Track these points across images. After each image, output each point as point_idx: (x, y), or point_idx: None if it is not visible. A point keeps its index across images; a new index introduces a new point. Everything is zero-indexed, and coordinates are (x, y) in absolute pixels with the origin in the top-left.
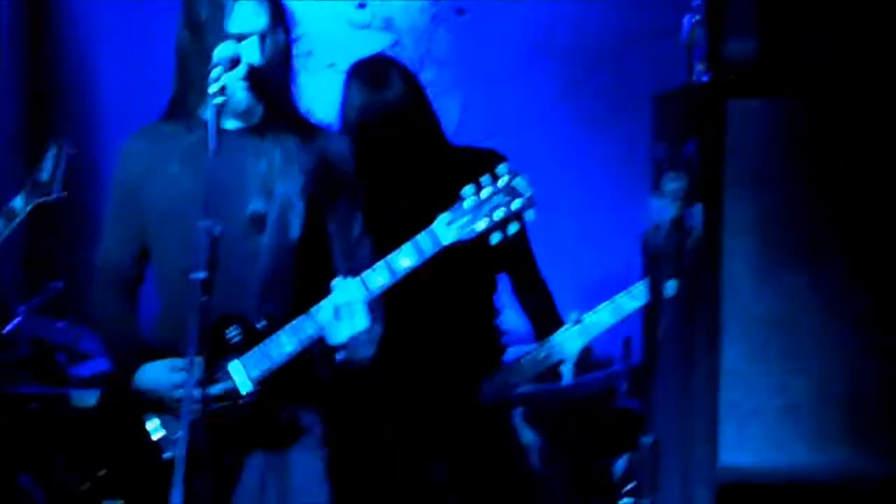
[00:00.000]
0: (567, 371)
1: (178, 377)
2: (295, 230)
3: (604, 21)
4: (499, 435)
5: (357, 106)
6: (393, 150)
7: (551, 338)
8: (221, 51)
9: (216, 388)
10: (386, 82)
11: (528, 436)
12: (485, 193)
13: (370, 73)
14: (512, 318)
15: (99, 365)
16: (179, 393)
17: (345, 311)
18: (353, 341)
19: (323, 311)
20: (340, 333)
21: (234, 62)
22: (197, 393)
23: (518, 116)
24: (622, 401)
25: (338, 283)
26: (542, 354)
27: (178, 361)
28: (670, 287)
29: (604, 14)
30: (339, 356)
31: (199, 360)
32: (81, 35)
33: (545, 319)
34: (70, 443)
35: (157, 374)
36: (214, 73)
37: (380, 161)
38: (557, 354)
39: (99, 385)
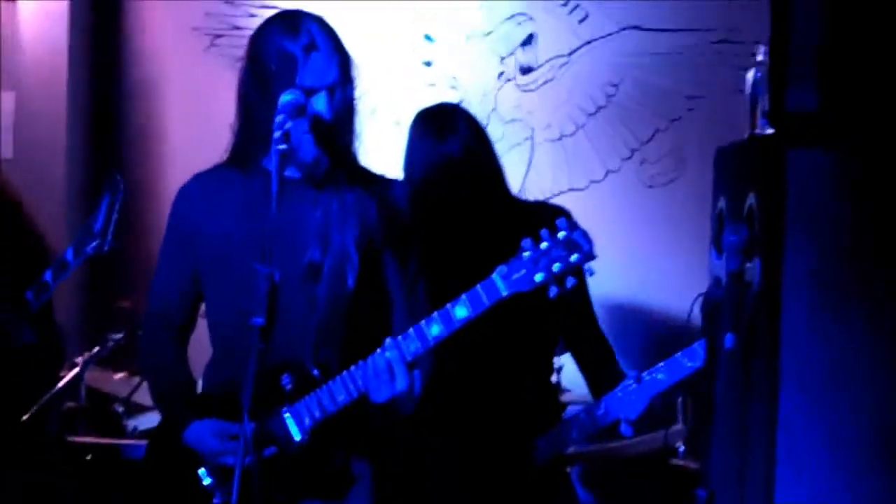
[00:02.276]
0: (626, 429)
1: (228, 445)
2: (350, 280)
3: (671, 79)
4: (554, 493)
5: (423, 153)
6: (457, 199)
7: (610, 395)
8: (286, 98)
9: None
10: (453, 130)
11: (583, 495)
12: (543, 246)
13: (437, 120)
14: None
15: (156, 418)
16: (227, 460)
17: (384, 373)
18: (393, 402)
19: (366, 369)
20: (381, 393)
21: (299, 110)
22: (248, 459)
23: (583, 175)
24: (680, 460)
25: (387, 342)
26: (601, 411)
27: (230, 427)
28: (729, 340)
29: (671, 72)
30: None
31: (251, 425)
32: (149, 83)
33: (605, 377)
34: (121, 495)
35: (206, 438)
36: (278, 120)
37: (442, 211)
38: (615, 412)
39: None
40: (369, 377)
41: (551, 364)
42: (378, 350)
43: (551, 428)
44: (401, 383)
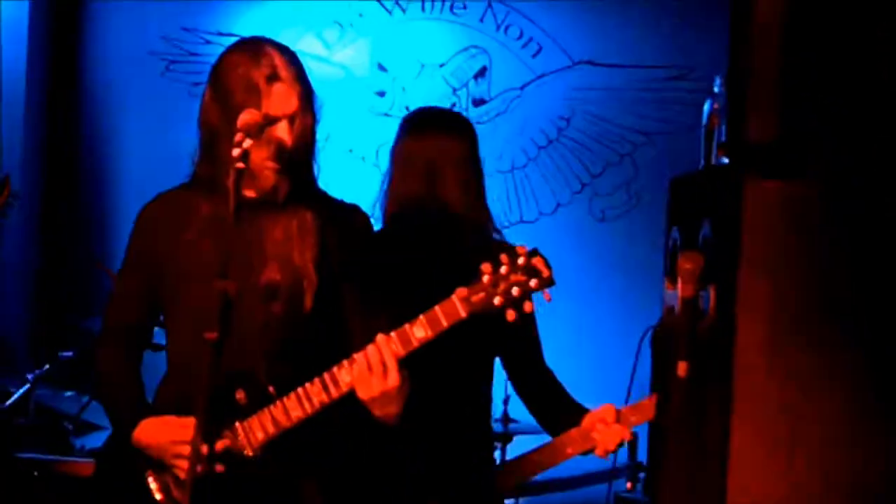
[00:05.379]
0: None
1: (180, 434)
2: (308, 300)
3: (623, 114)
4: None
5: (421, 144)
6: (437, 203)
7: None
8: (245, 117)
9: (221, 449)
10: (456, 127)
11: None
12: (503, 270)
13: (442, 117)
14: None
15: (104, 437)
16: (180, 449)
17: (378, 366)
18: (384, 396)
19: (356, 365)
20: (370, 388)
21: (258, 128)
22: (201, 450)
23: (533, 207)
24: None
25: (379, 338)
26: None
27: (182, 419)
28: (681, 369)
29: (623, 107)
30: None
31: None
32: (105, 105)
33: (557, 410)
34: None
35: (158, 430)
36: (237, 139)
37: (416, 216)
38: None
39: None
40: (360, 371)
41: (489, 391)
42: (370, 346)
43: (481, 451)
44: (392, 378)
